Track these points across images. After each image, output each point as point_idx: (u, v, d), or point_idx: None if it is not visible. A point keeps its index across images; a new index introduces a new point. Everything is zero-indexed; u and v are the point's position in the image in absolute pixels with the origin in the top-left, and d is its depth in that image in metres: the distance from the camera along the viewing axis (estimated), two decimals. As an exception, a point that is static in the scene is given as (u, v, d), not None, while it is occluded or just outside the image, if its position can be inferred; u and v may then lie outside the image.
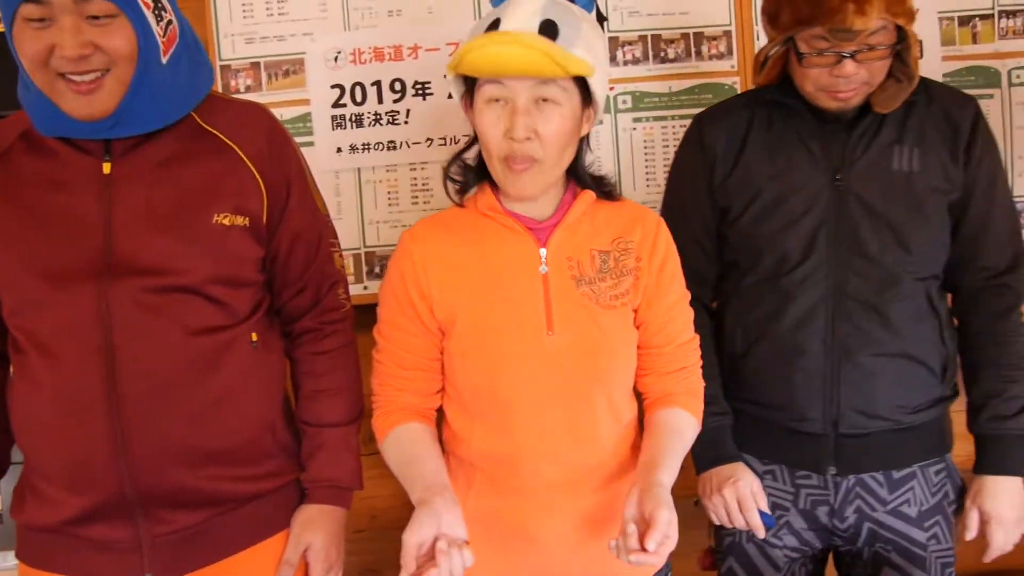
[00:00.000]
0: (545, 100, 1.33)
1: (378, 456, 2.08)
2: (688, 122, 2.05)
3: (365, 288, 2.06)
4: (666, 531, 1.23)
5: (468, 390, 1.44)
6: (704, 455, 1.65)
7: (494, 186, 1.44)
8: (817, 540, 1.68)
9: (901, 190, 1.58)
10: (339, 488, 1.52)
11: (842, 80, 1.51)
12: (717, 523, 1.65)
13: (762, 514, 1.57)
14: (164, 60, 1.33)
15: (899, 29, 1.51)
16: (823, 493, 1.64)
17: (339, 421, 1.53)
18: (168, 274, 1.34)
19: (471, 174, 1.47)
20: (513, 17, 1.32)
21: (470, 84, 1.40)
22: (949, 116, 1.61)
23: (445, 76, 2.04)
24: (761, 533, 1.58)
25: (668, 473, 1.36)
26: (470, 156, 1.48)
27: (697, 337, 1.55)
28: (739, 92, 2.07)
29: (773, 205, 1.61)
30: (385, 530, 2.19)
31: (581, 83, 1.37)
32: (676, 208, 1.71)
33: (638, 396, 1.54)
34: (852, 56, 1.49)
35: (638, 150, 2.09)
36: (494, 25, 1.34)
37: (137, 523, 1.37)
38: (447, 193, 1.49)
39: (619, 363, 1.45)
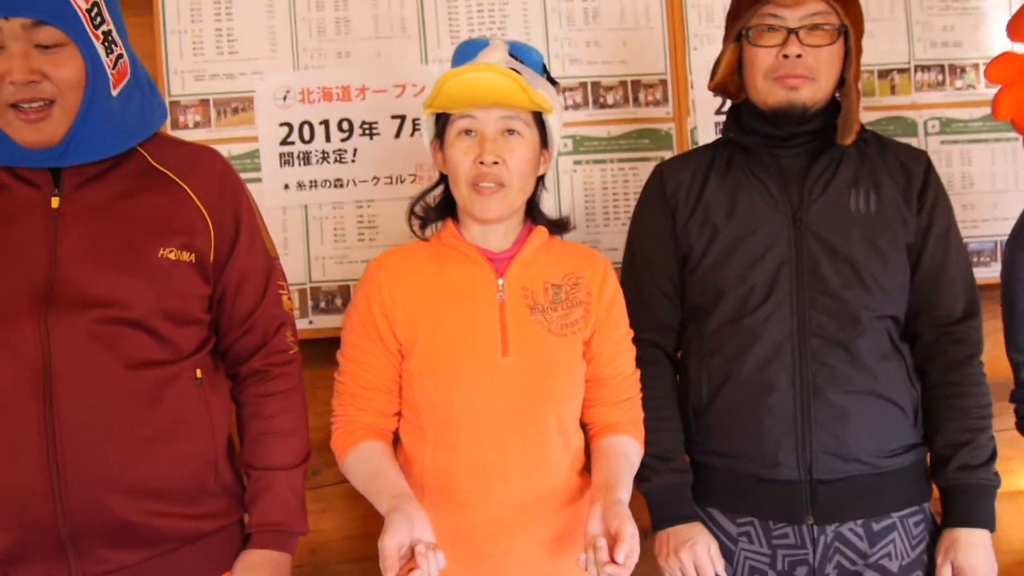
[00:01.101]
0: (511, 132, 1.47)
1: (320, 490, 2.10)
2: (626, 165, 2.14)
3: (311, 323, 2.08)
4: (632, 544, 1.31)
5: (425, 408, 1.50)
6: (662, 513, 1.62)
7: (456, 222, 1.55)
8: None
9: (859, 230, 1.59)
10: (284, 533, 1.49)
11: (788, 63, 1.56)
12: None
13: None
14: (114, 92, 1.35)
15: (845, 30, 1.58)
16: (801, 552, 1.59)
17: (286, 464, 1.50)
18: (111, 306, 1.33)
19: (433, 211, 1.58)
20: (481, 55, 1.48)
21: (441, 126, 1.51)
22: (903, 164, 1.65)
23: (411, 120, 2.09)
24: None
25: (625, 492, 1.44)
26: (431, 198, 1.60)
27: (638, 372, 1.61)
28: (674, 137, 2.16)
29: (734, 245, 1.61)
30: (325, 564, 2.18)
31: (539, 125, 1.51)
32: (640, 260, 1.70)
33: (583, 428, 1.60)
34: (796, 33, 1.54)
35: (578, 191, 2.16)
36: (459, 61, 1.51)
37: (71, 562, 1.32)
38: (411, 228, 1.58)
39: (568, 386, 1.53)
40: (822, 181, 1.62)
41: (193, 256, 1.41)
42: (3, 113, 1.30)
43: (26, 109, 1.30)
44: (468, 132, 1.48)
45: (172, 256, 1.38)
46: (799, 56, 1.56)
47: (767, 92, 1.60)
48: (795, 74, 1.57)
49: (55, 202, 1.36)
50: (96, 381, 1.31)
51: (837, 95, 1.65)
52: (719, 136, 1.77)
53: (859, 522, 1.59)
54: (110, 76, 1.34)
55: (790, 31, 1.56)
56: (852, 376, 1.56)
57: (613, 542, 1.32)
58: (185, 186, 1.42)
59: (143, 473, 1.35)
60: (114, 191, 1.38)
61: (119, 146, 1.38)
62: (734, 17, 1.64)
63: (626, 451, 1.53)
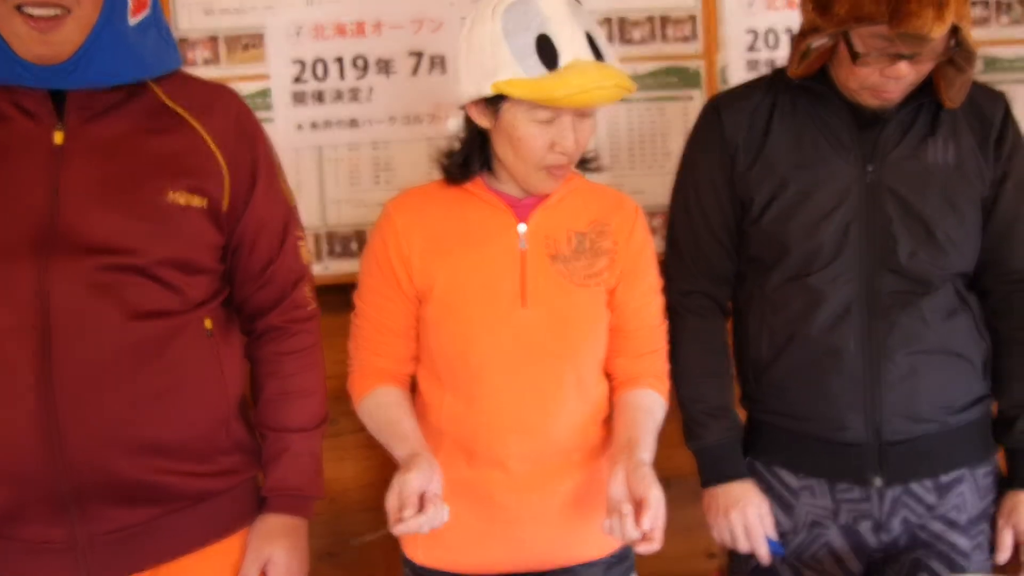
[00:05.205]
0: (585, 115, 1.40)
1: (339, 438, 2.08)
2: (653, 105, 2.06)
3: (326, 268, 2.03)
4: (658, 511, 1.29)
5: (441, 357, 1.48)
6: (712, 470, 1.58)
7: (485, 174, 1.48)
8: (857, 561, 1.59)
9: (936, 185, 1.50)
10: (302, 497, 1.45)
11: (892, 81, 1.42)
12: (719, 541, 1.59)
13: (770, 541, 1.52)
14: (132, 21, 1.27)
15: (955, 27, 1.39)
16: (866, 507, 1.55)
17: (304, 426, 1.45)
18: (116, 253, 1.26)
19: (467, 170, 1.48)
20: (567, 41, 1.34)
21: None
22: (979, 110, 1.53)
23: (429, 57, 2.00)
24: (766, 561, 1.53)
25: (649, 452, 1.41)
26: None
27: (666, 323, 1.56)
28: (703, 75, 2.08)
29: (801, 198, 1.51)
30: (344, 513, 2.17)
31: None
32: (692, 201, 1.61)
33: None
34: (910, 58, 1.39)
35: (602, 132, 2.08)
36: (545, 46, 1.34)
37: (73, 521, 1.27)
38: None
39: (589, 340, 1.48)
40: (899, 129, 1.52)
41: (205, 202, 1.33)
42: (8, 18, 1.20)
43: (36, 16, 1.20)
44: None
45: (182, 200, 1.31)
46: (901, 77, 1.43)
47: (858, 96, 1.49)
48: (896, 90, 1.46)
49: (58, 137, 1.28)
50: (96, 331, 1.25)
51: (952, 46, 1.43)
52: (766, 74, 1.65)
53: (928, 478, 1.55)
54: (129, 2, 1.26)
55: (903, 56, 1.40)
56: (922, 334, 1.50)
57: (638, 507, 1.29)
58: (199, 126, 1.34)
59: (148, 429, 1.29)
60: (122, 128, 1.31)
61: (131, 75, 1.30)
62: (831, 15, 1.41)
63: (650, 407, 1.49)
